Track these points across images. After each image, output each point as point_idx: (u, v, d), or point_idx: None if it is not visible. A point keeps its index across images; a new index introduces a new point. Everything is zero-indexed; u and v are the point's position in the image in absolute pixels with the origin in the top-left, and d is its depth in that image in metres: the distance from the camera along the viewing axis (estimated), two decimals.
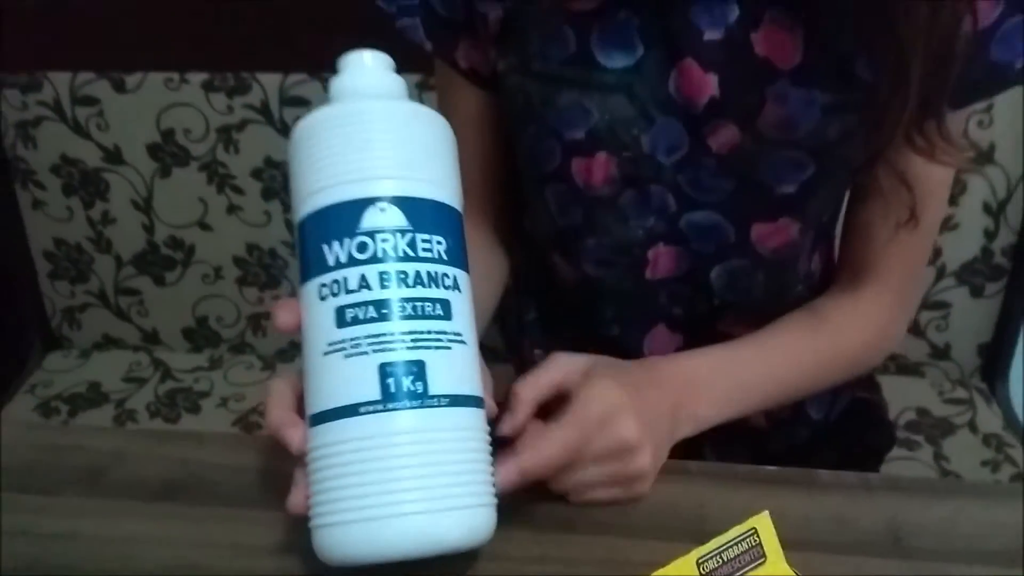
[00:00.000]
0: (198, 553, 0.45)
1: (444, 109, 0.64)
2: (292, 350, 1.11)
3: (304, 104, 0.96)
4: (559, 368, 0.48)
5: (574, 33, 0.54)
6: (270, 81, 0.96)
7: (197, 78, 0.97)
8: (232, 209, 1.03)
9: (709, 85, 0.53)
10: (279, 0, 0.95)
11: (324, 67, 0.94)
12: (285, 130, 0.98)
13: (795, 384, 0.60)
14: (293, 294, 1.10)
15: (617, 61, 0.54)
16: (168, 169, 1.01)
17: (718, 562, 0.36)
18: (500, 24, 0.57)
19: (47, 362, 1.12)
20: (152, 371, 1.10)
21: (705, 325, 0.62)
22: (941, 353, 1.02)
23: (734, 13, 0.52)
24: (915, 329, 1.00)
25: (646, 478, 0.47)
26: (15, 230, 1.07)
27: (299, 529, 0.44)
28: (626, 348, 0.63)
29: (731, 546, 0.37)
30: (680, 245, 0.59)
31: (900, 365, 1.03)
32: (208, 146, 1.00)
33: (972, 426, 0.97)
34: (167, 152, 1.01)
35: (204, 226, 1.04)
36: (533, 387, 0.46)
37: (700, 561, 0.36)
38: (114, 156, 1.01)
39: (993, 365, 1.01)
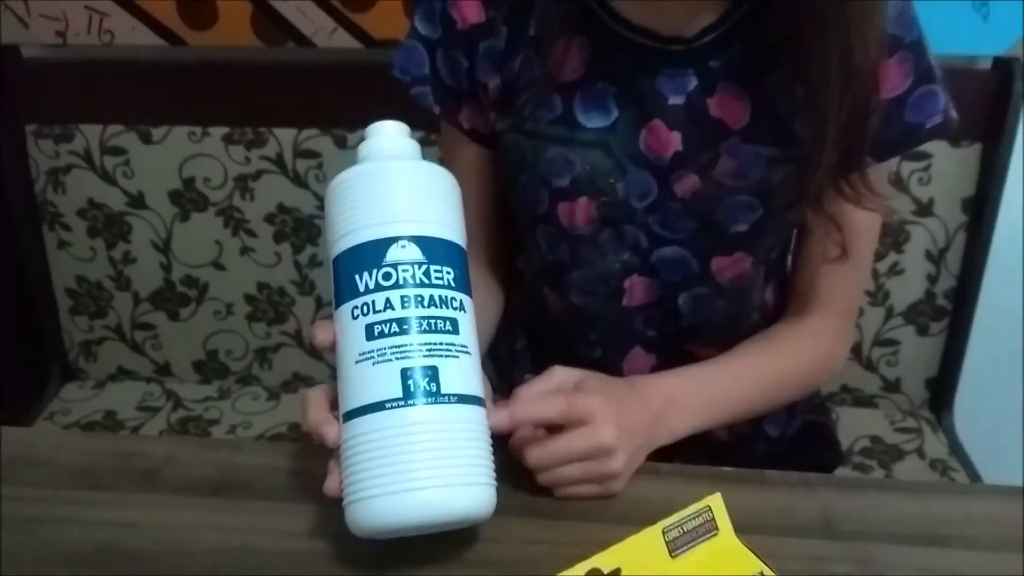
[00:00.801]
0: (245, 537, 0.53)
1: (447, 163, 0.75)
2: (296, 382, 1.19)
3: (315, 156, 1.06)
4: (556, 378, 0.56)
5: (560, 99, 0.65)
6: (285, 135, 1.06)
7: (218, 131, 1.06)
8: (245, 251, 1.12)
9: (673, 142, 0.64)
10: (295, 64, 1.06)
11: (334, 124, 1.05)
12: (298, 179, 1.07)
13: (756, 400, 0.69)
14: (300, 330, 1.18)
15: (596, 122, 0.64)
16: (187, 214, 1.10)
17: (679, 532, 0.45)
18: (498, 91, 0.67)
19: (64, 392, 1.19)
20: (164, 400, 1.17)
21: (675, 346, 0.72)
22: (892, 386, 1.11)
23: (692, 83, 0.63)
24: (868, 364, 1.10)
25: (619, 478, 0.55)
26: (40, 268, 1.15)
27: (327, 516, 0.53)
28: (608, 368, 0.72)
29: (690, 519, 0.46)
30: (652, 276, 0.69)
31: (855, 397, 1.12)
32: (226, 193, 1.09)
33: (920, 452, 1.06)
34: (187, 198, 1.10)
35: (218, 266, 1.13)
36: (531, 391, 0.55)
37: (665, 530, 0.45)
38: (138, 201, 1.10)
39: (939, 397, 1.10)
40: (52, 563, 0.51)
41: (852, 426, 1.08)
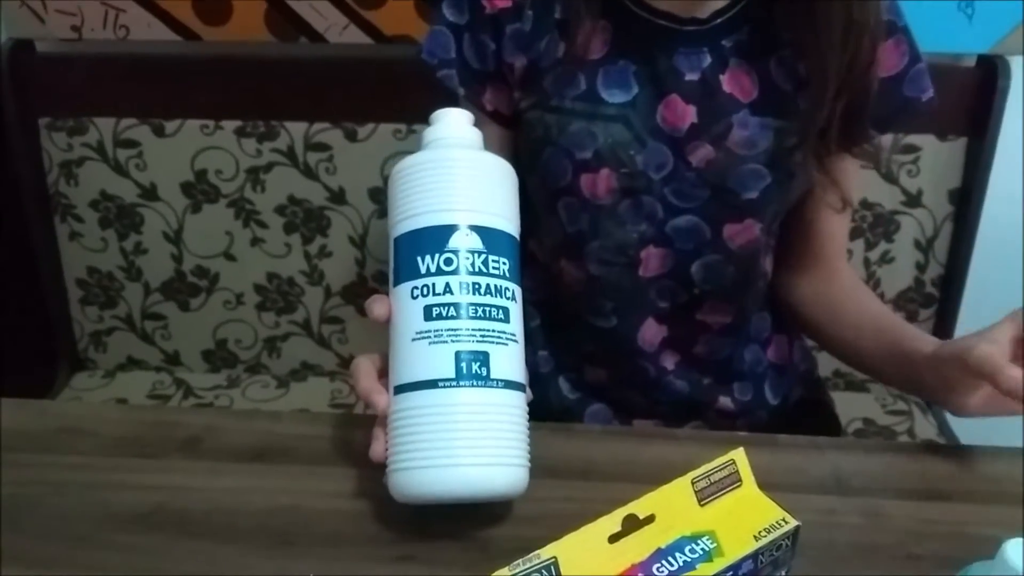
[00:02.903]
0: (290, 498, 0.55)
1: None
2: (304, 371, 1.22)
3: (326, 149, 1.09)
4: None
5: (584, 77, 0.69)
6: (296, 129, 1.08)
7: (231, 125, 1.09)
8: (256, 241, 1.14)
9: (689, 115, 0.68)
10: (307, 59, 1.09)
11: (344, 118, 1.08)
12: (308, 172, 1.10)
13: None
14: (308, 320, 1.21)
15: (617, 97, 0.69)
16: (199, 205, 1.13)
17: (707, 483, 0.48)
18: (524, 71, 0.71)
19: (74, 381, 1.21)
20: (174, 389, 1.19)
21: (686, 315, 0.76)
22: None
23: (707, 60, 0.68)
24: None
25: None
26: (51, 259, 1.17)
27: (370, 479, 0.56)
28: (621, 338, 0.76)
29: (716, 471, 0.49)
30: (666, 247, 0.73)
31: (848, 382, 1.17)
32: (237, 185, 1.11)
33: (911, 433, 1.11)
34: (199, 190, 1.12)
35: (229, 256, 1.15)
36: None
37: (694, 481, 0.48)
38: (150, 193, 1.12)
39: None
40: (108, 524, 0.53)
41: (845, 409, 1.11)
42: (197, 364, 1.22)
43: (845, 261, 0.82)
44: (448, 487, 0.49)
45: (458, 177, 0.53)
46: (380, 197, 1.09)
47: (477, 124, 0.76)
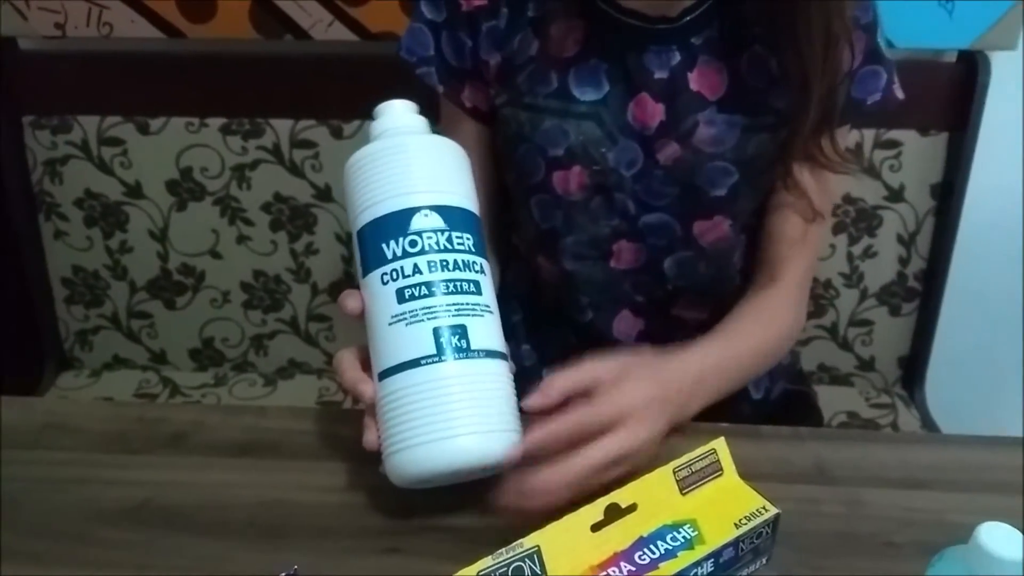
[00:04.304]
0: (277, 492, 0.56)
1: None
2: (291, 368, 1.22)
3: (312, 146, 1.09)
4: (592, 371, 0.55)
5: (556, 74, 0.70)
6: (282, 126, 1.08)
7: (216, 122, 1.08)
8: (242, 239, 1.14)
9: (658, 113, 0.69)
10: (292, 56, 1.08)
11: (330, 115, 1.08)
12: (294, 169, 1.10)
13: (751, 373, 0.74)
14: (295, 317, 1.20)
15: (589, 95, 0.70)
16: (184, 203, 1.12)
17: (688, 472, 0.49)
18: (499, 68, 0.72)
19: (60, 381, 1.20)
20: (161, 388, 1.19)
21: (662, 310, 0.77)
22: (867, 365, 1.17)
23: (676, 58, 0.68)
24: (844, 344, 1.15)
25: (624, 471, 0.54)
26: (36, 258, 1.17)
27: (357, 472, 0.56)
28: (598, 330, 0.77)
29: (698, 460, 0.50)
30: (639, 241, 0.73)
31: (832, 376, 1.18)
32: (223, 182, 1.11)
33: (894, 426, 1.12)
34: (184, 188, 1.12)
35: (215, 254, 1.15)
36: (565, 380, 0.54)
37: (675, 470, 0.49)
38: (135, 191, 1.12)
39: (911, 374, 1.16)
40: (96, 520, 0.54)
41: (829, 403, 1.13)
42: (184, 363, 1.22)
43: (790, 270, 0.74)
44: (446, 460, 0.49)
45: (411, 161, 0.54)
46: None
47: (456, 121, 0.78)
